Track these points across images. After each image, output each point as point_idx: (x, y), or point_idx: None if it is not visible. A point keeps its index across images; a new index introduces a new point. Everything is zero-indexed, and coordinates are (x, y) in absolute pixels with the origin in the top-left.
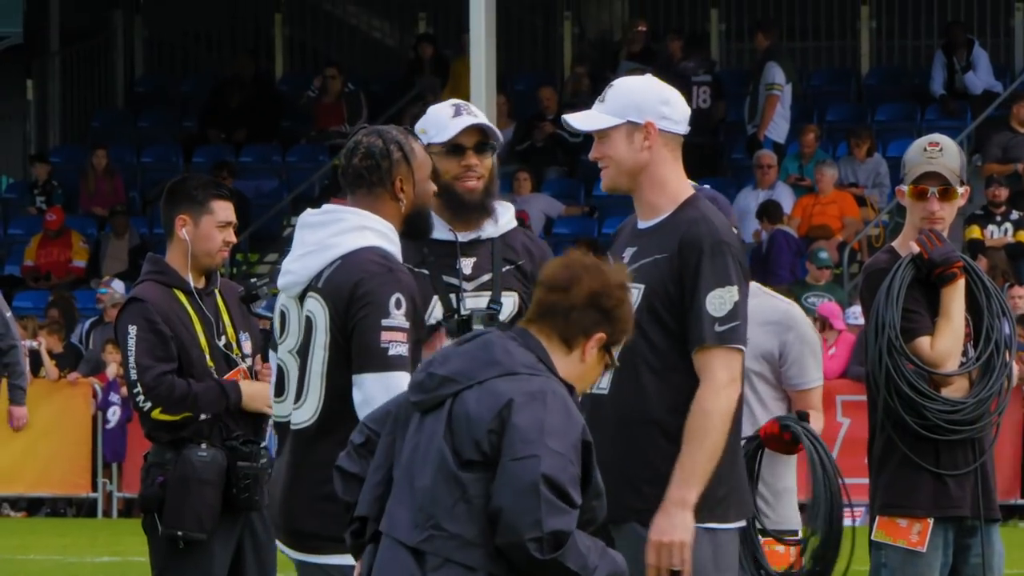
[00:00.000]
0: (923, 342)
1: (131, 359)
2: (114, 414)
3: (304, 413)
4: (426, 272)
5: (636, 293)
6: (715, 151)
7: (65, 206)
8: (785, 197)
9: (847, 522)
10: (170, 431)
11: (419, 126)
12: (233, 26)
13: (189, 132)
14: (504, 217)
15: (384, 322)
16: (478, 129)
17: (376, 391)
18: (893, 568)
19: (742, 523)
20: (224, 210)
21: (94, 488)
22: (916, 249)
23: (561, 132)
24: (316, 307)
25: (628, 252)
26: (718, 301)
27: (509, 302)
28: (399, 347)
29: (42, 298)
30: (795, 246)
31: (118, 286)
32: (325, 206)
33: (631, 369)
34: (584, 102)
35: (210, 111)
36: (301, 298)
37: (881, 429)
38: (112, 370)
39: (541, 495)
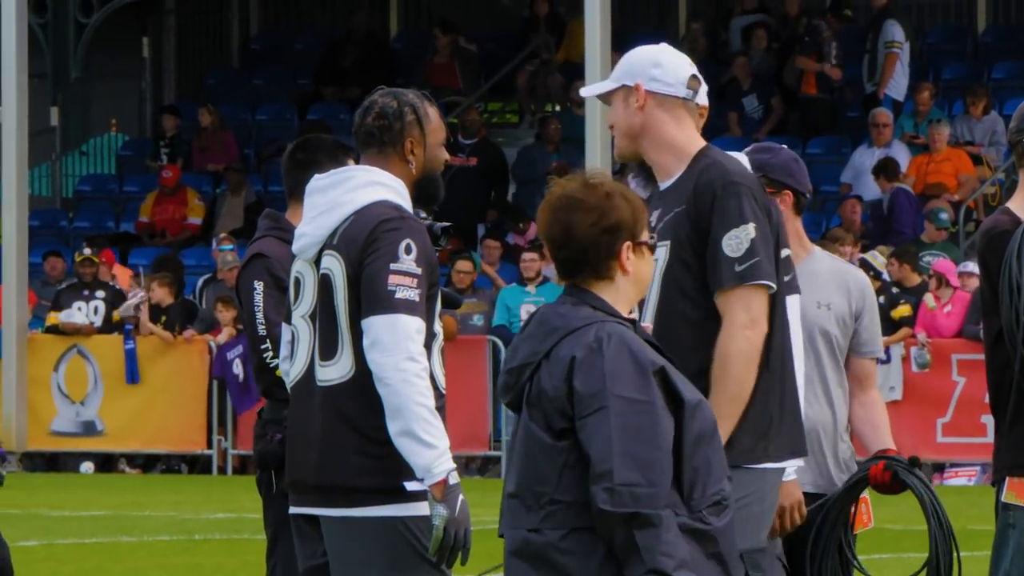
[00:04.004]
0: None
1: (258, 314)
2: (238, 366)
3: (339, 370)
4: None
5: (663, 250)
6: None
7: (181, 163)
8: (901, 155)
9: (961, 481)
10: None
11: None
12: None
13: (303, 90)
14: None
15: (392, 266)
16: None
17: (383, 333)
18: (1022, 529)
19: (787, 463)
20: None
21: (209, 445)
22: None
23: None
24: (333, 263)
25: (654, 215)
26: (734, 241)
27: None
28: (407, 291)
29: (157, 255)
30: (915, 204)
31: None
32: (332, 169)
33: (668, 322)
34: (700, 60)
35: (324, 69)
36: (317, 261)
37: (1016, 389)
38: (227, 332)
39: (613, 445)
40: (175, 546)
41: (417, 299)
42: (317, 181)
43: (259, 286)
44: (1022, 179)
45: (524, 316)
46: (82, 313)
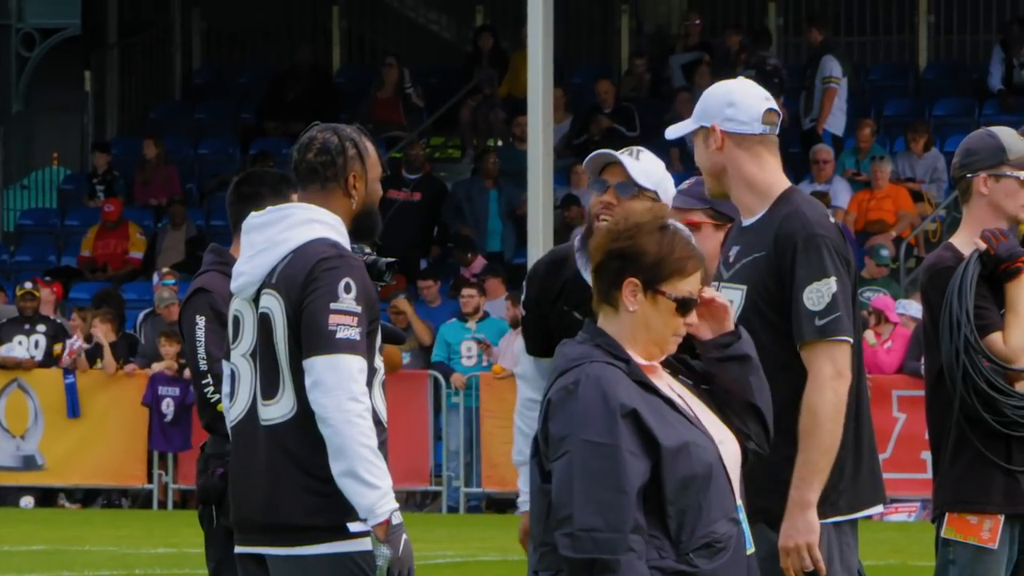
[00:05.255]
0: (995, 338)
1: (200, 350)
2: (168, 406)
3: (281, 409)
4: (565, 309)
5: (739, 293)
6: None
7: (123, 197)
8: (842, 191)
9: (901, 517)
10: None
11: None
12: (290, 18)
13: (246, 124)
14: None
15: (332, 305)
16: (625, 171)
17: (325, 373)
18: (962, 565)
19: (869, 511)
20: None
21: (149, 479)
22: (982, 245)
23: (618, 126)
24: (272, 302)
25: (733, 251)
26: (815, 295)
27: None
28: (348, 330)
29: (99, 290)
30: (852, 241)
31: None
32: (269, 207)
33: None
34: (642, 96)
35: (267, 103)
36: (255, 299)
37: (955, 426)
38: (165, 365)
39: (574, 490)
40: None
41: (358, 338)
42: (254, 219)
43: (201, 321)
44: (965, 215)
45: (464, 352)
46: (23, 347)
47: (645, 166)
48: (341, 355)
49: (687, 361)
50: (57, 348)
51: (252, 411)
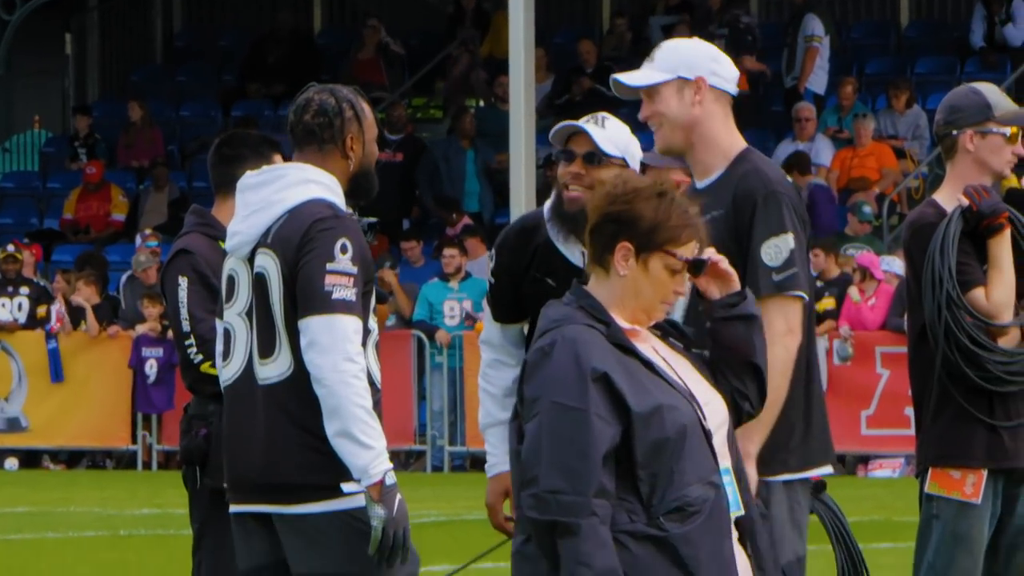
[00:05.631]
0: (978, 293)
1: (183, 310)
2: (151, 368)
3: (277, 368)
4: (536, 276)
5: None
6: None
7: (104, 160)
8: (824, 149)
9: (885, 473)
10: (214, 384)
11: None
12: None
13: (228, 87)
14: None
15: (329, 266)
16: (591, 140)
17: (320, 334)
18: (946, 520)
19: (819, 470)
20: None
21: (134, 440)
22: (965, 201)
23: (600, 87)
24: (267, 262)
25: None
26: (773, 250)
27: None
28: (344, 291)
29: (81, 252)
30: (833, 200)
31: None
32: (264, 167)
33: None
34: (623, 55)
35: (249, 66)
36: (251, 259)
37: (938, 381)
38: (146, 325)
39: (543, 451)
40: (101, 542)
41: (354, 298)
42: (249, 179)
43: (183, 282)
44: (949, 172)
45: (447, 312)
46: (6, 309)
47: (611, 133)
48: (337, 315)
49: (678, 324)
50: (41, 310)
51: (248, 370)
